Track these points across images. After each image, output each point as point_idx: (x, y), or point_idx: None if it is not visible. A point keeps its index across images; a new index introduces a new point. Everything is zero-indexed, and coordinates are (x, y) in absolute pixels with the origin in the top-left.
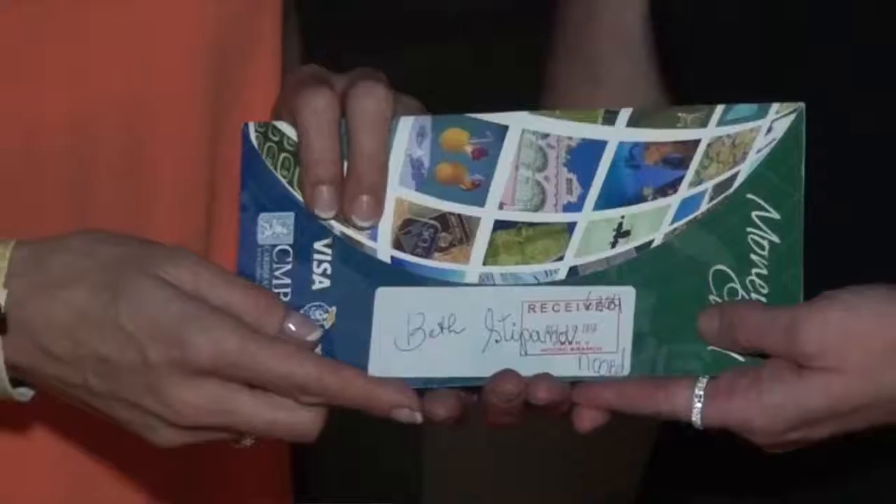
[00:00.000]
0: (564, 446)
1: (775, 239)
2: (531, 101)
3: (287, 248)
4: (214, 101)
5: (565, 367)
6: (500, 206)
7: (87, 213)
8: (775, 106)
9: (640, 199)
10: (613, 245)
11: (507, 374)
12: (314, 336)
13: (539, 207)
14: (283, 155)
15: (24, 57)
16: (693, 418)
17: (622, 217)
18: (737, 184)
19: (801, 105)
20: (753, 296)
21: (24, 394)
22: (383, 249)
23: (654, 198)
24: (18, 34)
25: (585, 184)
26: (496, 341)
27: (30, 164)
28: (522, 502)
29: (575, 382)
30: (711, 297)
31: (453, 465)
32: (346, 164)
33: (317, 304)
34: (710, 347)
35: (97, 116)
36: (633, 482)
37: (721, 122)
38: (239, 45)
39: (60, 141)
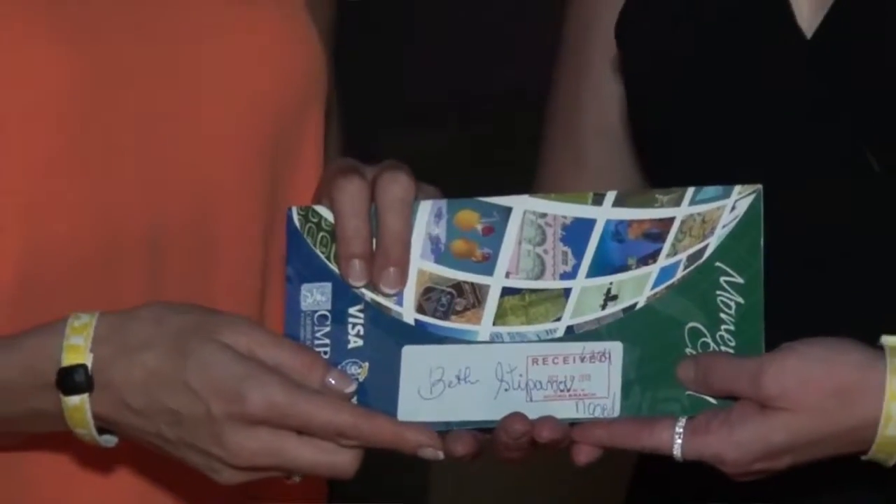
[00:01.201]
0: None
1: (740, 300)
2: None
3: (326, 313)
4: (269, 187)
5: (565, 410)
6: (507, 276)
7: (160, 287)
8: (738, 188)
9: (625, 268)
10: (603, 307)
11: (516, 416)
12: (350, 388)
13: (539, 276)
14: (321, 234)
15: (104, 149)
16: (674, 452)
17: (610, 283)
18: (707, 254)
19: (759, 187)
20: (723, 348)
21: (109, 440)
22: (408, 313)
23: (637, 267)
24: (99, 130)
25: (578, 255)
26: (505, 390)
27: (111, 247)
28: None
29: (573, 423)
30: (687, 350)
31: (459, 484)
32: (374, 240)
33: (352, 360)
34: (687, 392)
35: (169, 205)
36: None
37: (692, 202)
38: (290, 139)
39: (137, 227)
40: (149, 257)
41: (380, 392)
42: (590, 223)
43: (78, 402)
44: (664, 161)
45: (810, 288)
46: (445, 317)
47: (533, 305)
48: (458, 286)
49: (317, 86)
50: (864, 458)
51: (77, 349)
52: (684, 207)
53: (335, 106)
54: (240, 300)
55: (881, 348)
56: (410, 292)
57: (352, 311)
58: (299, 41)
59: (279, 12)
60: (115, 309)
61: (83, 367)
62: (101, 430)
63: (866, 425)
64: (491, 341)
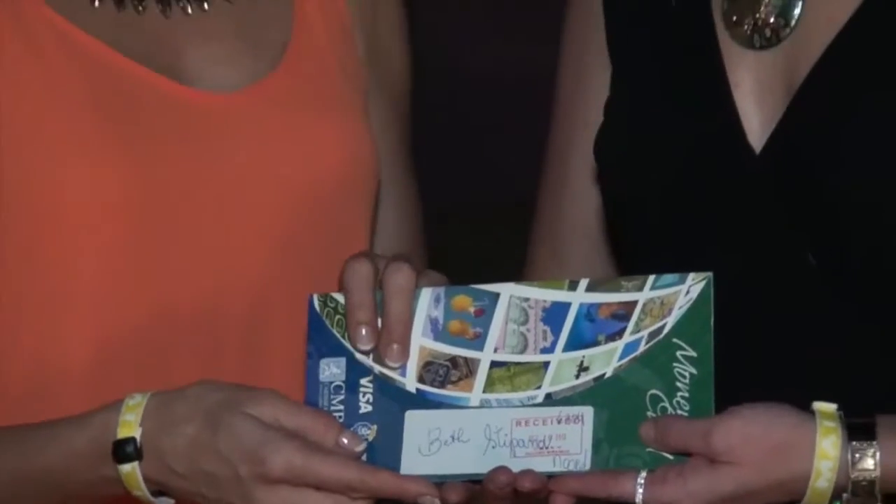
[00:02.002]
0: None
1: (693, 371)
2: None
3: (341, 383)
4: (314, 274)
5: (543, 465)
6: (495, 351)
7: (216, 364)
8: (692, 275)
9: (595, 343)
10: (577, 377)
11: (501, 469)
12: (360, 448)
13: (523, 351)
14: (337, 317)
15: (163, 246)
16: (636, 500)
17: (583, 357)
18: (665, 331)
19: (710, 274)
20: (679, 412)
21: (166, 501)
22: (410, 383)
23: (606, 342)
24: (156, 229)
25: (556, 333)
26: (493, 447)
27: (170, 332)
28: None
29: (551, 476)
30: (648, 413)
31: None
32: (380, 321)
33: (363, 423)
34: (648, 449)
35: (223, 293)
36: None
37: (653, 287)
38: (335, 233)
39: (194, 314)
40: (205, 340)
41: (386, 450)
42: (566, 306)
43: (130, 469)
44: (634, 256)
45: (754, 361)
46: (442, 386)
47: (517, 376)
48: (454, 360)
49: (358, 183)
50: None
51: (129, 424)
52: (646, 292)
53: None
54: (291, 371)
55: (813, 412)
56: (412, 365)
57: (363, 381)
58: (344, 146)
59: (328, 120)
60: (174, 385)
61: (133, 439)
62: (157, 493)
63: (799, 479)
64: (481, 406)
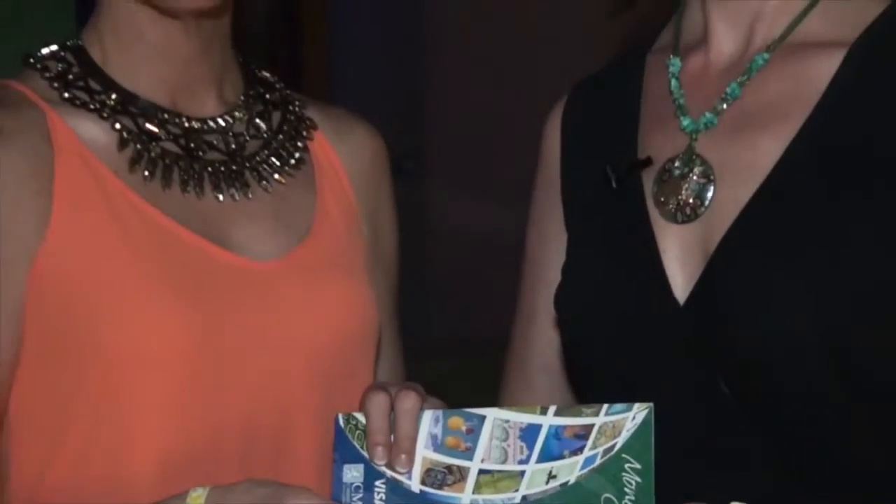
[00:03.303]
0: None
1: (638, 479)
2: None
3: (360, 484)
4: (332, 401)
5: None
6: (482, 461)
7: (251, 468)
8: (637, 405)
9: (561, 457)
10: (547, 483)
11: None
12: None
13: (504, 461)
14: (357, 432)
15: (212, 378)
16: None
17: (552, 467)
18: (616, 448)
19: (651, 405)
20: None
21: None
22: (415, 485)
23: (570, 456)
24: (207, 367)
25: (530, 448)
26: None
27: (217, 444)
28: None
29: None
30: None
31: None
32: (392, 436)
33: None
34: None
35: (257, 415)
36: None
37: (606, 414)
38: (349, 371)
39: (235, 431)
40: (245, 449)
41: None
42: (538, 427)
43: None
44: (589, 387)
45: (685, 474)
46: (440, 488)
47: (499, 481)
48: (449, 467)
49: (366, 335)
50: None
51: None
52: (601, 417)
53: (395, 344)
54: (313, 473)
55: None
56: (416, 471)
57: (377, 483)
58: (351, 300)
59: (344, 285)
60: (221, 482)
61: None
62: None
63: None
64: None
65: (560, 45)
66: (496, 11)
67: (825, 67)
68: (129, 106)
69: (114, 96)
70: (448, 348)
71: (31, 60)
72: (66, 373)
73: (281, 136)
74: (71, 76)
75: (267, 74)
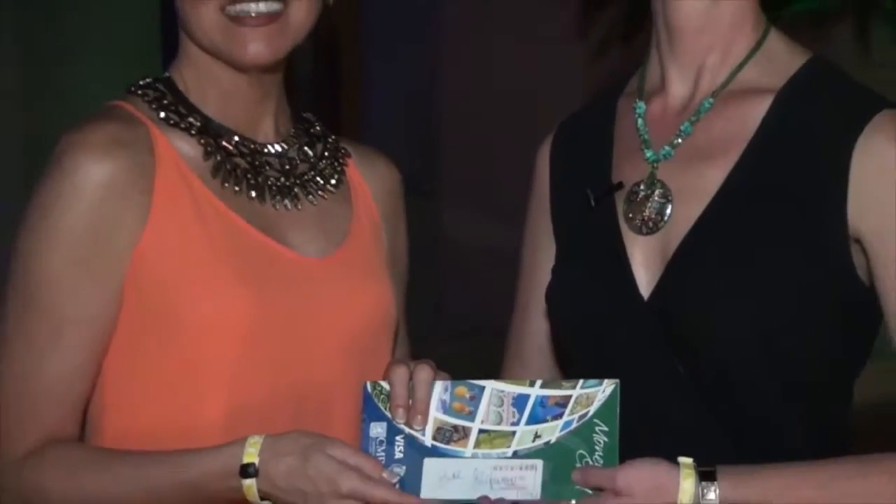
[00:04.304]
0: None
1: (606, 440)
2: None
3: (383, 439)
4: (362, 373)
5: (510, 495)
6: (482, 423)
7: (301, 424)
8: (607, 381)
9: (545, 421)
10: (533, 441)
11: (484, 497)
12: (395, 480)
13: (499, 423)
14: (382, 397)
15: (268, 350)
16: None
17: (537, 429)
18: (589, 415)
19: (617, 380)
20: (596, 464)
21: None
22: (427, 440)
23: (552, 421)
24: (265, 340)
25: (521, 413)
26: (479, 483)
27: (271, 403)
28: None
29: (516, 502)
30: (577, 465)
31: None
32: (410, 401)
33: (397, 464)
34: (577, 487)
35: (304, 381)
36: None
37: (582, 387)
38: (374, 349)
39: (286, 393)
40: (293, 408)
41: (411, 482)
42: (527, 396)
43: (249, 483)
44: (571, 365)
45: (646, 437)
46: (447, 443)
47: (495, 439)
48: (455, 427)
49: (388, 321)
50: None
51: (251, 454)
52: (577, 390)
53: (405, 331)
54: (348, 430)
55: (678, 464)
56: (429, 429)
57: (397, 438)
58: (377, 296)
59: (371, 281)
60: (273, 433)
61: (253, 464)
62: (263, 498)
63: None
64: (472, 457)
65: (553, 89)
66: (497, 79)
67: (757, 110)
68: (208, 127)
69: (198, 119)
70: (455, 336)
71: (133, 88)
72: (154, 340)
73: (323, 162)
74: (165, 101)
75: (308, 115)
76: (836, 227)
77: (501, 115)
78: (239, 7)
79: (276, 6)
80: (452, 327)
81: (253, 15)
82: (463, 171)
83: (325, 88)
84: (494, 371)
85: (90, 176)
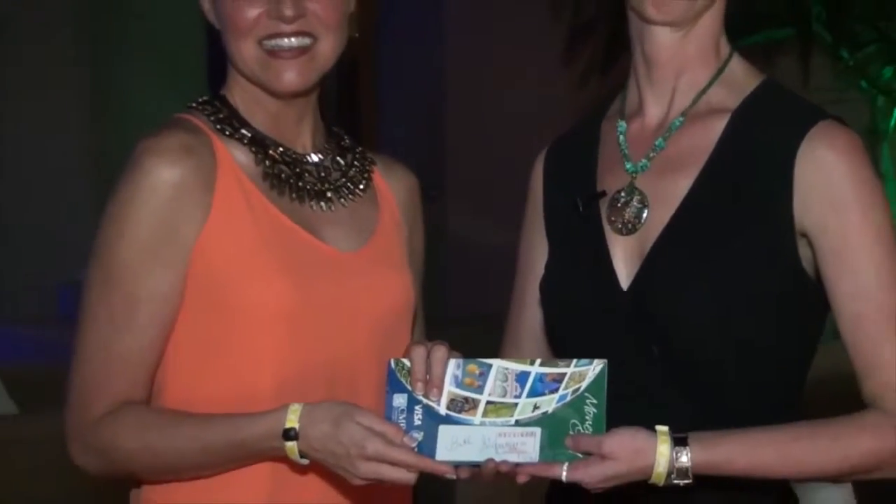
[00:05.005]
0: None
1: (595, 411)
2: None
3: (404, 408)
4: (387, 353)
5: (513, 457)
6: (489, 395)
7: (333, 395)
8: (596, 360)
9: (543, 394)
10: (532, 412)
11: (491, 459)
12: (414, 444)
13: (503, 396)
14: (403, 372)
15: (308, 330)
16: (563, 478)
17: (536, 401)
18: (581, 389)
19: (605, 361)
20: (586, 432)
21: (305, 461)
22: (442, 410)
23: (549, 394)
24: (305, 323)
25: (522, 387)
26: (486, 447)
27: (308, 378)
28: None
29: (517, 464)
30: (570, 432)
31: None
32: (428, 376)
33: (416, 430)
34: (569, 451)
35: (336, 360)
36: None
37: (575, 366)
38: (396, 332)
39: (321, 371)
40: (328, 380)
41: (428, 446)
42: (528, 373)
43: (291, 445)
44: (562, 348)
45: (628, 409)
46: (459, 412)
47: (500, 409)
48: (466, 398)
49: (409, 307)
50: (648, 482)
51: (292, 420)
52: (571, 368)
53: (421, 316)
54: (374, 400)
55: (655, 431)
56: (444, 400)
57: (416, 408)
58: (399, 286)
59: (395, 273)
60: (311, 402)
61: (294, 428)
62: (302, 457)
63: (648, 467)
64: (481, 425)
65: (550, 109)
66: (496, 103)
67: (717, 127)
68: (257, 139)
69: (248, 131)
70: (458, 321)
71: (194, 105)
72: (212, 320)
73: (353, 170)
74: (221, 115)
75: (338, 129)
76: (784, 225)
77: (501, 132)
78: (274, 42)
79: (306, 41)
80: (456, 314)
81: (286, 48)
82: (465, 179)
83: (346, 109)
84: (492, 353)
85: (163, 177)
